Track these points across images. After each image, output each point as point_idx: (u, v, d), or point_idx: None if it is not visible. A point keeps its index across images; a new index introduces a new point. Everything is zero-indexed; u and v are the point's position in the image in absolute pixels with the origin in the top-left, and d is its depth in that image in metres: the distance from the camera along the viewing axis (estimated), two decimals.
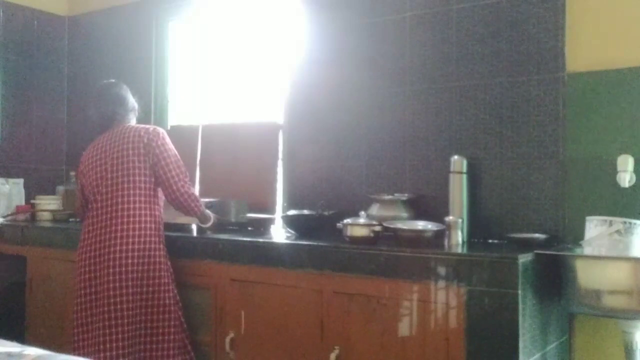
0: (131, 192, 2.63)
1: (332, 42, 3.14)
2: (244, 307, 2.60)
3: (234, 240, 2.69)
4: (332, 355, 2.33)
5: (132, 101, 2.90)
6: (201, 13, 3.76)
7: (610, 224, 2.28)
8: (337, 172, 3.08)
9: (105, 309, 2.52)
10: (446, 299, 2.14)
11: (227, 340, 2.61)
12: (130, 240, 2.58)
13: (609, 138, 2.48)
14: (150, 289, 2.59)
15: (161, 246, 2.66)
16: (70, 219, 3.73)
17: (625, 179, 2.42)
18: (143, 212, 2.63)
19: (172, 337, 2.59)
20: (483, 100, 2.73)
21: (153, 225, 2.65)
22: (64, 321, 3.21)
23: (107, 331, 2.50)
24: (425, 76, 2.87)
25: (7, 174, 3.90)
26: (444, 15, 2.83)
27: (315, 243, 2.48)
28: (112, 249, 2.57)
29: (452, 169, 2.65)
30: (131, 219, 2.60)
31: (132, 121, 2.89)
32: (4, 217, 3.68)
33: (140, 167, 2.65)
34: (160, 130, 2.76)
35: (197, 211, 2.75)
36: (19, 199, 3.88)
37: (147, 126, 2.78)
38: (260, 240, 2.64)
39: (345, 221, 2.53)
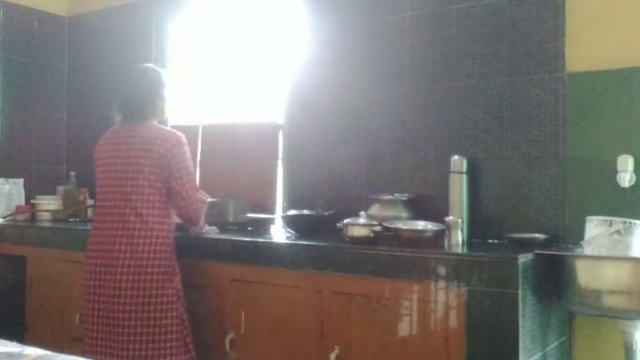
0: (139, 204, 2.54)
1: (332, 42, 3.14)
2: (244, 307, 2.60)
3: (234, 240, 2.69)
4: (332, 355, 2.33)
5: (161, 94, 2.71)
6: (201, 13, 3.76)
7: (610, 224, 2.28)
8: (337, 172, 3.08)
9: (111, 322, 2.50)
10: (446, 299, 2.14)
11: (227, 340, 2.61)
12: (135, 255, 2.51)
13: (609, 138, 2.48)
14: (152, 307, 2.50)
15: (168, 262, 2.56)
16: (70, 219, 3.73)
17: (625, 179, 2.42)
18: (150, 225, 2.54)
19: (173, 358, 2.53)
20: (483, 100, 2.73)
21: (160, 240, 2.55)
22: (64, 321, 3.21)
23: (110, 344, 2.50)
24: (425, 76, 2.87)
25: (7, 174, 3.90)
26: (444, 15, 2.83)
27: (315, 243, 2.48)
28: (116, 262, 2.51)
29: (452, 169, 2.65)
30: (136, 233, 2.52)
31: (157, 116, 2.72)
32: (4, 217, 3.68)
33: (150, 179, 2.54)
34: (177, 138, 2.60)
35: (198, 225, 2.74)
36: (19, 199, 3.87)
37: (165, 132, 2.62)
38: (260, 240, 2.64)
39: (345, 221, 2.52)
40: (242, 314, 2.61)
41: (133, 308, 2.48)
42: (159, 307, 2.51)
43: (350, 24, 3.08)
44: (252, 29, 3.61)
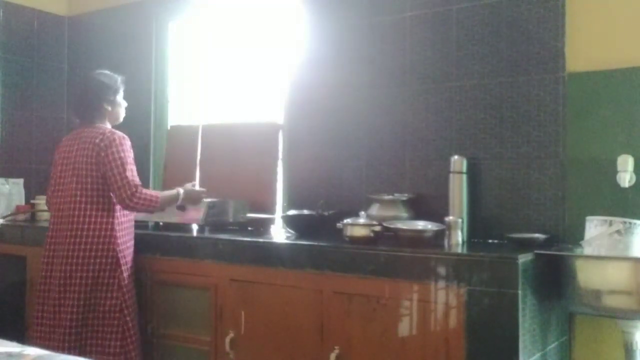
0: (82, 199, 2.72)
1: (332, 42, 3.14)
2: (244, 307, 2.60)
3: (234, 240, 2.69)
4: (332, 355, 2.33)
5: (111, 99, 2.86)
6: (201, 13, 3.76)
7: (610, 224, 2.28)
8: (337, 172, 3.08)
9: (57, 309, 2.68)
10: (446, 299, 2.14)
11: (227, 340, 2.61)
12: (77, 247, 2.68)
13: (609, 138, 2.48)
14: (93, 294, 2.68)
15: (111, 253, 2.70)
16: None
17: (625, 179, 2.42)
18: (93, 219, 2.71)
19: (110, 342, 2.68)
20: (483, 100, 2.73)
21: (102, 233, 2.70)
22: None
23: (55, 322, 2.68)
24: (425, 76, 2.87)
25: (7, 174, 3.90)
26: (444, 15, 2.83)
27: (315, 243, 2.48)
28: (63, 254, 2.69)
29: (452, 169, 2.65)
30: (80, 226, 2.70)
31: (109, 119, 2.88)
32: (4, 217, 3.68)
33: (92, 176, 2.73)
34: (114, 137, 2.74)
35: (156, 208, 2.79)
36: (19, 199, 3.87)
37: (105, 132, 2.76)
38: (260, 240, 2.64)
39: (345, 221, 2.53)
40: (242, 314, 2.61)
41: (76, 296, 2.66)
42: (99, 294, 2.69)
43: (350, 24, 3.08)
44: (252, 29, 3.61)
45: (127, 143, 2.77)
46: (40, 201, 3.82)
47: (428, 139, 2.85)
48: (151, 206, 2.75)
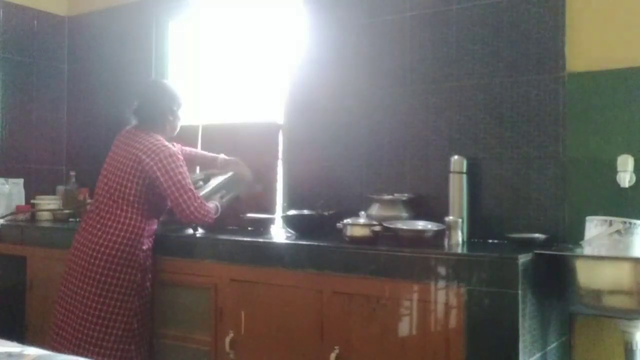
0: (120, 200, 2.75)
1: (332, 42, 3.14)
2: (244, 307, 2.60)
3: (234, 240, 2.69)
4: (332, 355, 2.33)
5: (174, 109, 2.93)
6: (201, 13, 3.76)
7: (610, 224, 2.27)
8: (337, 172, 3.08)
9: (76, 303, 2.72)
10: (446, 299, 2.14)
11: (227, 340, 2.61)
12: (105, 243, 2.72)
13: (609, 138, 2.48)
14: (109, 294, 2.70)
15: (134, 257, 2.73)
16: (70, 219, 3.73)
17: (625, 179, 2.42)
18: (127, 221, 2.74)
19: (115, 345, 2.71)
20: (483, 100, 2.73)
21: (131, 236, 2.73)
22: None
23: (70, 322, 2.72)
24: (425, 76, 2.87)
25: (7, 174, 3.90)
26: (444, 15, 2.83)
27: (315, 243, 2.48)
28: (89, 247, 2.73)
29: (452, 169, 2.65)
30: (114, 224, 2.74)
31: (166, 130, 2.92)
32: (3, 217, 3.68)
33: (140, 183, 2.74)
34: (169, 152, 2.75)
35: (211, 222, 2.83)
36: (19, 199, 3.87)
37: (159, 146, 2.76)
38: (260, 240, 2.64)
39: (345, 221, 2.53)
40: (242, 314, 2.61)
41: (93, 290, 2.70)
42: (114, 295, 2.70)
43: (350, 24, 3.08)
44: (252, 28, 3.61)
45: (181, 158, 2.79)
46: (40, 201, 3.83)
47: (428, 139, 2.85)
48: (211, 218, 2.79)
